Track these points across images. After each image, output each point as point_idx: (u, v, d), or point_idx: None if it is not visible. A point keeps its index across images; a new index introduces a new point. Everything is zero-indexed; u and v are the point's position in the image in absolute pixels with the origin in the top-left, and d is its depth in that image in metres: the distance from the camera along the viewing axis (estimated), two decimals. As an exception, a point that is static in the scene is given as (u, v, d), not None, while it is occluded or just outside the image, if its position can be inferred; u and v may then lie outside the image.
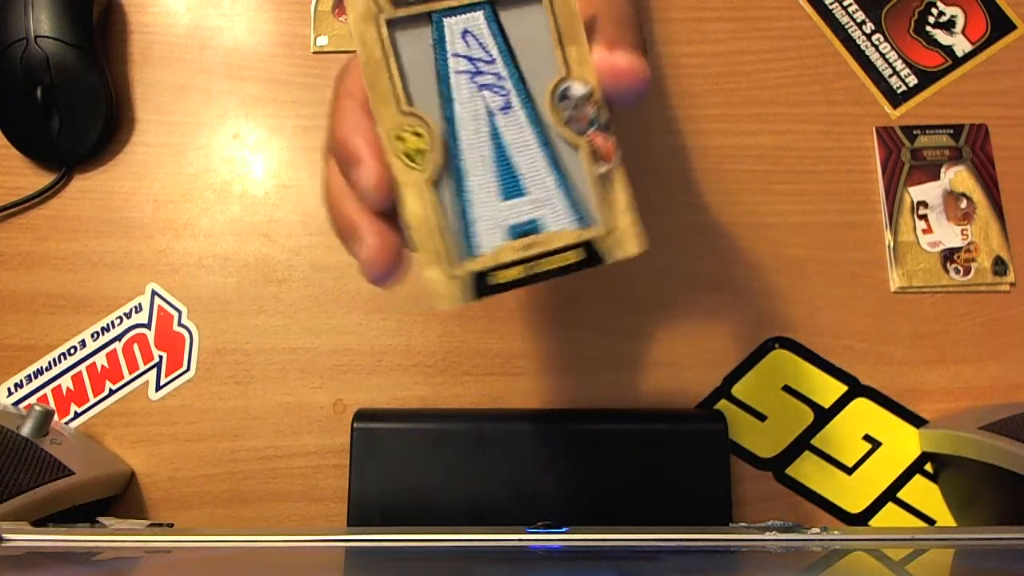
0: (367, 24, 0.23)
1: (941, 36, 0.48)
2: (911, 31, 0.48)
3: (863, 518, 0.42)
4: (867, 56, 0.48)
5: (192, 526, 0.41)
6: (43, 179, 0.45)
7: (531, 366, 0.43)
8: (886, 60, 0.47)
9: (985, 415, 0.39)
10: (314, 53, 0.48)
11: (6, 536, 0.28)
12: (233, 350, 0.43)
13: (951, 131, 0.46)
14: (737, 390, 0.43)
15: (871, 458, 0.42)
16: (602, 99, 0.24)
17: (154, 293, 0.44)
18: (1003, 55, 0.48)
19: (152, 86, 0.47)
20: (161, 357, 0.43)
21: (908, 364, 0.44)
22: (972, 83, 0.47)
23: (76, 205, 0.46)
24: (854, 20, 0.48)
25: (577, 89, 0.24)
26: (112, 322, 0.44)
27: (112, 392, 0.43)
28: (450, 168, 0.24)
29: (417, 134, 0.23)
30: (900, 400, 0.43)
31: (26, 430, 0.37)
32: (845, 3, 0.48)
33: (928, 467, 0.42)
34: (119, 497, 0.41)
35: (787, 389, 0.43)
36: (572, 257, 0.24)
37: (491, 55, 0.24)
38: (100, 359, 0.43)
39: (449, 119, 0.24)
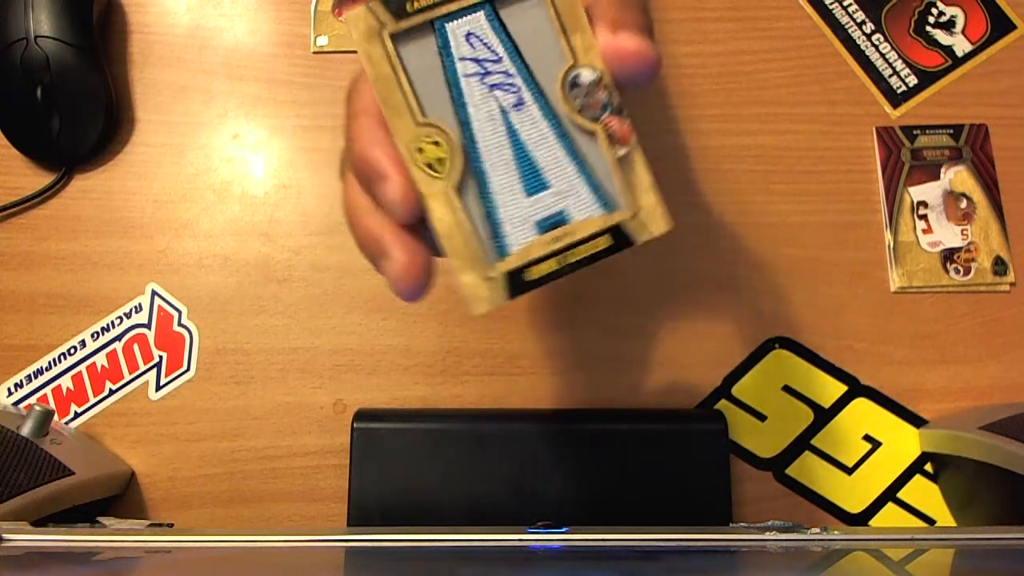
0: (372, 42, 0.23)
1: (941, 36, 0.48)
2: (911, 31, 0.48)
3: (863, 518, 0.42)
4: (867, 56, 0.48)
5: (192, 526, 0.41)
6: (43, 179, 0.45)
7: (531, 366, 0.43)
8: (886, 60, 0.47)
9: (985, 415, 0.39)
10: (314, 53, 0.48)
11: (6, 536, 0.28)
12: (233, 350, 0.43)
13: (951, 131, 0.46)
14: (737, 390, 0.43)
15: (871, 458, 0.42)
16: (612, 83, 0.24)
17: (154, 293, 0.44)
18: (1003, 55, 0.48)
19: (152, 86, 0.47)
20: (161, 357, 0.43)
21: (908, 364, 0.44)
22: (972, 83, 0.47)
23: (76, 205, 0.46)
24: (854, 20, 0.48)
25: (586, 76, 0.24)
26: (112, 322, 0.44)
27: (112, 392, 0.43)
28: (472, 172, 0.24)
29: (435, 143, 0.23)
30: (900, 400, 0.43)
31: (26, 430, 0.37)
32: (845, 3, 0.48)
33: (928, 467, 0.42)
34: (119, 497, 0.41)
35: (787, 389, 0.43)
36: (602, 243, 0.24)
37: (497, 54, 0.24)
38: (100, 359, 0.43)
39: (464, 123, 0.24)
